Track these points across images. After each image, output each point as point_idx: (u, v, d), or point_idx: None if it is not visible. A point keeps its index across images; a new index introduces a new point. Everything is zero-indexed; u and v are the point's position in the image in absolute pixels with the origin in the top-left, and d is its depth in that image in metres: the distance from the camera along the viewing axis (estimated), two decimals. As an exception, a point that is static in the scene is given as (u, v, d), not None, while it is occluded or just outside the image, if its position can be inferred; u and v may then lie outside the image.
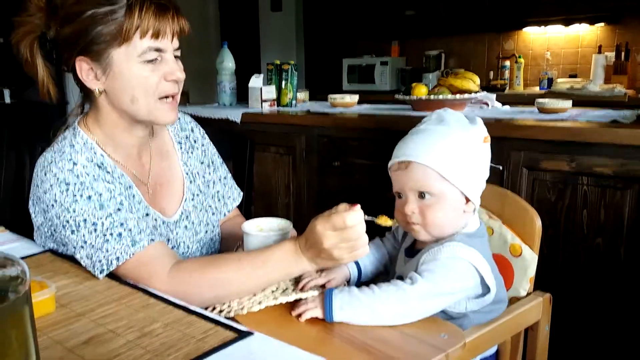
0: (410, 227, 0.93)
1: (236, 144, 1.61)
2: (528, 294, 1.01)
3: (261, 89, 2.41)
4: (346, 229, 0.81)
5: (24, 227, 1.17)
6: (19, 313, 0.47)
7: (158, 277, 0.87)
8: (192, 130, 1.19)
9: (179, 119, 1.16)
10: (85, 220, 0.90)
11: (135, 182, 1.02)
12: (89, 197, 0.91)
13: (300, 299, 0.85)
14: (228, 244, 1.16)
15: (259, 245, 0.94)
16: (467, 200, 0.91)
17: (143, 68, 0.92)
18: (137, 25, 0.90)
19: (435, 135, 0.91)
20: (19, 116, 3.60)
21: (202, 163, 1.17)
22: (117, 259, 0.88)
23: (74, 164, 0.94)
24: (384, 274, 1.07)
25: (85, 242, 0.89)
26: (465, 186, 0.90)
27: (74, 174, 0.92)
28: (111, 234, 0.89)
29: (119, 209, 0.92)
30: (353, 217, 0.82)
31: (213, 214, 1.16)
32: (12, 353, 0.46)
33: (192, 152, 1.16)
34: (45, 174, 0.93)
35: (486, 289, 0.89)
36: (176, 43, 0.96)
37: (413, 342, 0.74)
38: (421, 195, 0.91)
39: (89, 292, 0.82)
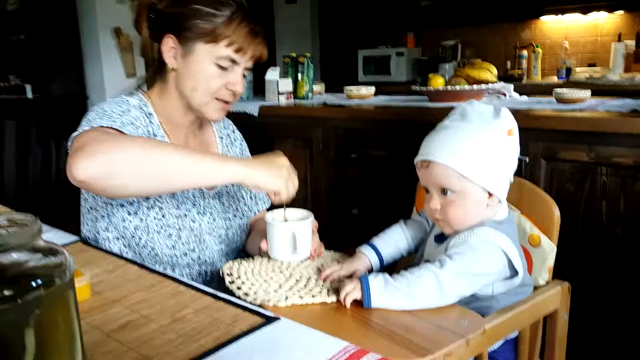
0: (435, 221, 0.97)
1: (255, 137, 1.64)
2: (547, 284, 1.03)
3: (278, 82, 2.43)
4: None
5: (52, 218, 1.22)
6: (65, 297, 0.51)
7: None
8: (233, 131, 1.29)
9: (223, 120, 1.25)
10: (90, 120, 0.98)
11: None
12: (110, 116, 0.99)
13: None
14: (254, 240, 1.19)
15: (281, 235, 0.97)
16: (490, 194, 0.93)
17: (214, 70, 1.03)
18: (228, 35, 1.01)
19: (456, 133, 0.93)
20: (43, 111, 3.67)
21: None
22: (91, 125, 0.95)
23: (125, 102, 1.05)
24: (404, 259, 1.09)
25: (80, 127, 0.97)
26: (487, 182, 0.91)
27: (118, 111, 1.01)
28: (101, 118, 0.97)
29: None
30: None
31: (245, 204, 1.22)
32: (60, 334, 0.50)
33: (231, 148, 1.25)
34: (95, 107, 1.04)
35: (513, 273, 0.91)
36: (250, 64, 1.06)
37: (434, 328, 0.76)
38: (444, 191, 0.93)
39: (120, 280, 0.85)
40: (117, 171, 0.83)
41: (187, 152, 0.90)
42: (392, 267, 1.08)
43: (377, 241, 1.06)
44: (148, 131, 1.06)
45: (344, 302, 0.83)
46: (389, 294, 0.82)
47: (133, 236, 1.06)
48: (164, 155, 0.86)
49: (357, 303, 0.84)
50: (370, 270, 1.01)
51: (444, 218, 0.94)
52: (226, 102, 1.08)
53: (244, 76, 1.08)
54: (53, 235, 1.08)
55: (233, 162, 0.90)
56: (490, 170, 0.91)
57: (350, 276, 0.94)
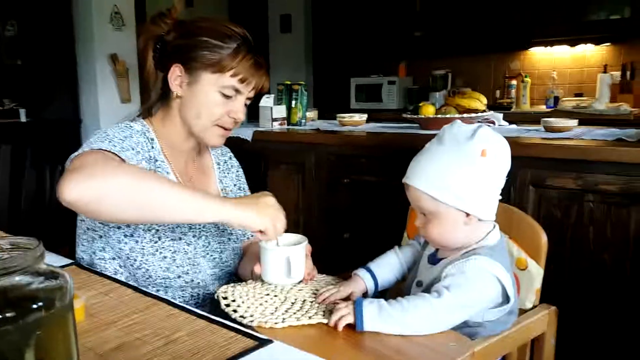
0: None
1: (248, 162, 1.66)
2: (534, 306, 1.04)
3: (272, 108, 2.47)
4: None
5: (44, 242, 1.22)
6: (65, 319, 0.52)
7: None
8: (230, 158, 1.32)
9: (221, 147, 1.27)
10: (91, 142, 1.00)
11: (176, 180, 1.12)
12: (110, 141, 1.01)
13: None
14: (247, 264, 1.19)
15: (275, 259, 0.99)
16: (468, 213, 0.94)
17: (218, 98, 1.07)
18: (233, 67, 1.06)
19: (428, 157, 0.97)
20: (37, 135, 3.69)
21: (235, 185, 1.28)
22: (91, 147, 0.96)
23: (128, 127, 1.08)
24: (400, 282, 1.10)
25: (81, 149, 0.98)
26: (460, 203, 0.92)
27: (120, 136, 1.03)
28: (102, 141, 0.99)
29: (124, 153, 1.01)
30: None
31: (243, 228, 1.22)
32: (58, 355, 0.51)
33: (227, 174, 1.27)
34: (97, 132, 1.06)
35: (505, 299, 0.93)
36: (253, 94, 1.11)
37: (424, 351, 0.78)
38: (422, 212, 0.97)
39: (115, 303, 0.86)
40: (106, 197, 0.84)
41: (178, 188, 0.92)
42: (384, 291, 1.10)
43: (373, 265, 1.08)
44: (150, 156, 1.09)
45: (337, 325, 0.84)
46: (383, 320, 0.83)
47: (128, 257, 1.07)
48: (155, 187, 0.87)
49: (350, 326, 0.85)
50: (366, 294, 1.03)
51: (426, 236, 0.98)
52: (226, 129, 1.12)
53: (246, 105, 1.12)
54: (47, 259, 1.08)
55: (220, 202, 0.91)
56: (462, 191, 0.92)
57: (346, 299, 0.96)
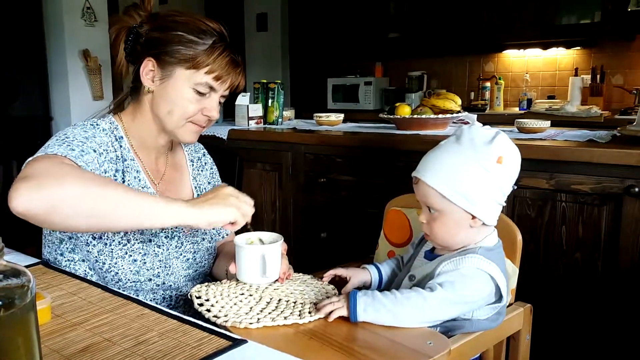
0: (425, 236, 1.02)
1: (224, 160, 1.64)
2: (510, 305, 1.05)
3: (248, 106, 2.44)
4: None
5: (13, 241, 1.18)
6: (25, 320, 0.49)
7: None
8: (204, 155, 1.29)
9: (194, 144, 1.25)
10: (49, 145, 0.95)
11: (147, 178, 1.10)
12: (69, 145, 0.96)
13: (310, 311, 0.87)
14: (221, 263, 1.18)
15: (250, 258, 0.97)
16: (474, 216, 0.94)
17: (191, 95, 1.03)
18: (209, 64, 1.02)
19: (444, 155, 0.96)
20: (5, 132, 3.57)
21: (209, 183, 1.25)
22: (46, 152, 0.92)
23: (94, 126, 1.04)
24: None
25: (38, 151, 0.94)
26: (469, 205, 0.93)
27: (81, 138, 0.99)
28: (60, 145, 0.94)
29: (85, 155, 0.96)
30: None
31: (213, 227, 1.20)
32: (19, 356, 0.48)
33: (201, 171, 1.24)
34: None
35: (498, 298, 0.94)
36: (227, 92, 1.08)
37: (401, 349, 0.77)
38: (429, 208, 0.97)
39: (83, 303, 0.83)
40: (56, 208, 0.80)
41: (133, 193, 0.86)
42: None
43: (379, 264, 1.12)
44: (116, 156, 1.05)
45: (329, 318, 0.86)
46: (376, 310, 0.85)
47: (97, 260, 1.03)
48: (107, 194, 0.83)
49: (325, 326, 0.84)
50: (369, 287, 1.07)
51: (429, 233, 0.98)
52: (200, 126, 1.09)
53: (220, 103, 1.09)
54: (12, 258, 1.04)
55: (179, 206, 0.87)
56: (472, 194, 0.92)
57: (345, 280, 1.03)
